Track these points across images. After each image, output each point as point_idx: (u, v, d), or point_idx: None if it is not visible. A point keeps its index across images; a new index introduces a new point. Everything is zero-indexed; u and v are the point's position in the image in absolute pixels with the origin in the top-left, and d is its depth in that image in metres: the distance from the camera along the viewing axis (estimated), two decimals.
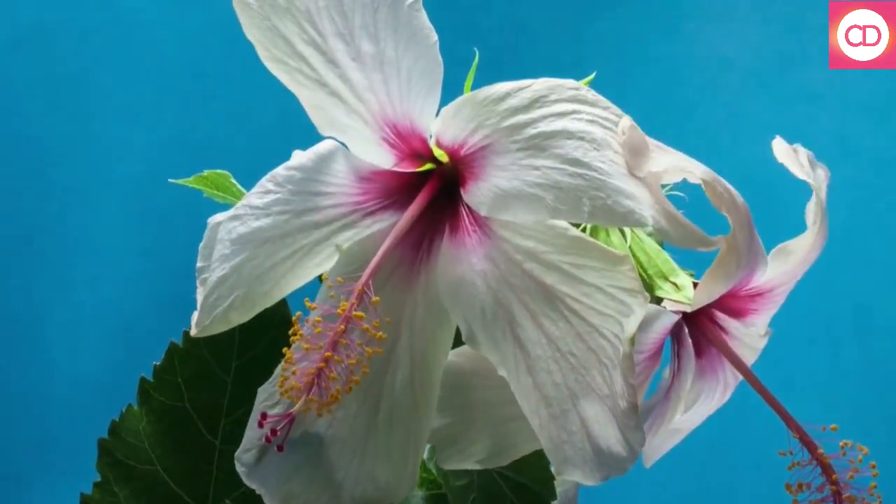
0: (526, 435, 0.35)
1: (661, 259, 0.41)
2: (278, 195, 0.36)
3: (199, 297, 0.37)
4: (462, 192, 0.35)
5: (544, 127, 0.32)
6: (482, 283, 0.34)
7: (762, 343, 0.42)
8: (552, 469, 0.36)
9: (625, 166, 0.32)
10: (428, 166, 0.37)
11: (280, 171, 0.36)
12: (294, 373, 0.33)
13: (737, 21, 0.98)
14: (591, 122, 0.32)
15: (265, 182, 0.36)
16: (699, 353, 0.42)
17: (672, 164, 0.32)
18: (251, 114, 0.98)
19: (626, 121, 0.32)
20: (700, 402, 0.43)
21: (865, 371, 0.93)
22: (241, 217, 0.36)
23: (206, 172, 0.47)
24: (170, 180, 0.47)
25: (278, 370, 0.35)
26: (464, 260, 0.35)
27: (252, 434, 0.36)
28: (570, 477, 0.33)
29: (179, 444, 0.42)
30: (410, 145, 0.36)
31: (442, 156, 0.36)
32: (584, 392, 0.33)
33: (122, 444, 0.42)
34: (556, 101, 0.32)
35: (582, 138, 0.32)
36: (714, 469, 0.91)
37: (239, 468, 0.36)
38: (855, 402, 0.92)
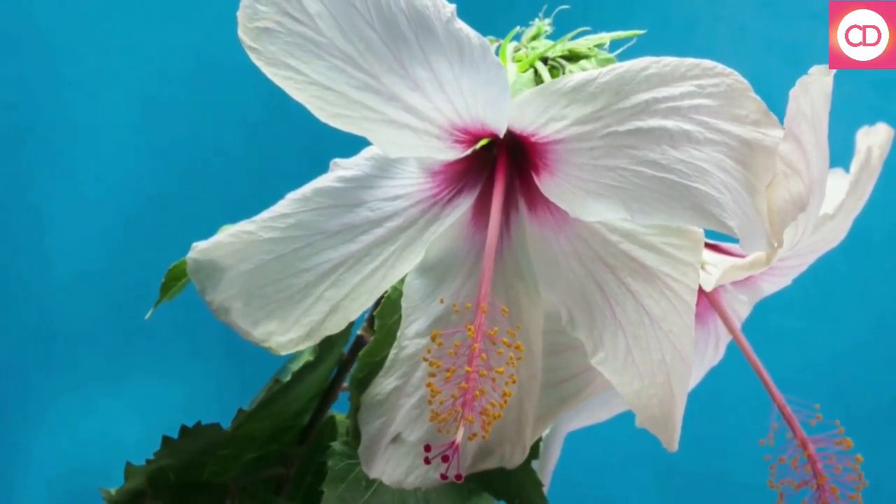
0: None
1: None
2: (341, 210, 0.34)
3: (243, 324, 0.35)
4: (535, 178, 0.34)
5: (616, 126, 0.30)
6: (578, 265, 0.33)
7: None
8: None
9: (710, 159, 0.30)
10: (485, 141, 0.36)
11: (331, 184, 0.34)
12: (440, 402, 0.33)
13: (736, 21, 0.98)
14: (668, 113, 0.30)
15: (313, 197, 0.34)
16: None
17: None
18: None
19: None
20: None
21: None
22: (299, 239, 0.34)
23: (171, 266, 0.45)
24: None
25: (389, 362, 0.36)
26: (552, 240, 0.34)
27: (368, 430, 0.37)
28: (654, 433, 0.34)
29: None
30: (479, 138, 0.35)
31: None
32: (678, 364, 0.33)
33: None
34: (628, 94, 0.30)
35: (659, 137, 0.30)
36: (691, 448, 0.89)
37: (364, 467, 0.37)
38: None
